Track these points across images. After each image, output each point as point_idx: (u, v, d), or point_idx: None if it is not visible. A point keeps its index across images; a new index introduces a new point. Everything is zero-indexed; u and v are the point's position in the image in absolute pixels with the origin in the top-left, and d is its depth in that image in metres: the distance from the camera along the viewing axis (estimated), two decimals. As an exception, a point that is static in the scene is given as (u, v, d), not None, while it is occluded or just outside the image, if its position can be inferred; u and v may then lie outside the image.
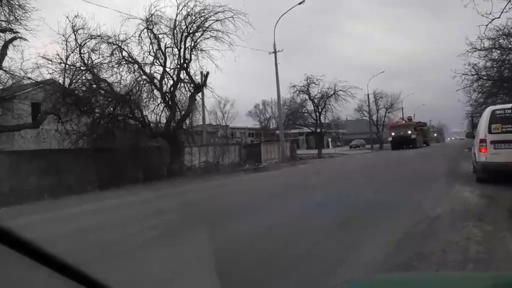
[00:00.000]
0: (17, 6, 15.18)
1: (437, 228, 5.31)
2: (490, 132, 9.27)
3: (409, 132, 43.20)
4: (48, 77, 17.12)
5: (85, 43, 17.13)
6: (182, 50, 18.95)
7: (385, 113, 54.48)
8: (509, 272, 3.43)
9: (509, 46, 22.38)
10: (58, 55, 16.69)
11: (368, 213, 6.68)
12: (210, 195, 11.75)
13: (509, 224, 5.40)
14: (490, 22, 19.51)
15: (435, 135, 74.47)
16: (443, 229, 5.24)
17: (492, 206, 6.80)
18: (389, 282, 1.65)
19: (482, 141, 9.39)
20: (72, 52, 17.04)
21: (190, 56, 19.11)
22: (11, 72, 15.58)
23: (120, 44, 17.72)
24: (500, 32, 20.92)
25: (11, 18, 15.40)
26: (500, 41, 22.01)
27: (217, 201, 10.08)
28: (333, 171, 18.31)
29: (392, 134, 44.74)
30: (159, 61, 18.97)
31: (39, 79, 16.89)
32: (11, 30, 15.61)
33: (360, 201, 8.08)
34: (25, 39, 15.74)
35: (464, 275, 2.75)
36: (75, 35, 16.85)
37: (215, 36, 18.82)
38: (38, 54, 18.82)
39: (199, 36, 19.08)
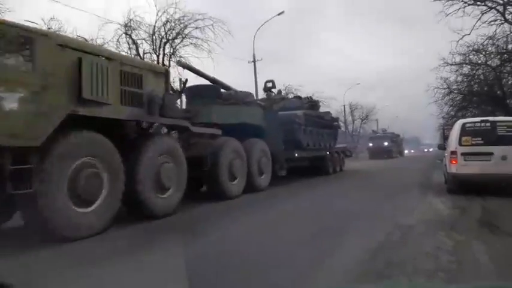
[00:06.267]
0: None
1: (410, 237, 5.42)
2: (460, 144, 9.57)
3: None
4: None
5: (60, 46, 16.78)
6: (161, 56, 18.95)
7: (361, 123, 55.94)
8: (479, 282, 3.52)
9: (479, 62, 23.33)
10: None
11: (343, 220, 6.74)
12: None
13: (478, 233, 5.57)
14: (461, 38, 20.31)
15: (385, 144, 44.36)
16: (415, 238, 5.36)
17: (462, 216, 6.99)
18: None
19: (453, 153, 9.68)
20: (47, 55, 16.67)
21: (169, 63, 19.06)
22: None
23: (96, 49, 17.43)
24: (471, 48, 21.83)
25: (-17, 19, 14.95)
26: (470, 56, 22.95)
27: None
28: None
29: None
30: (136, 67, 18.72)
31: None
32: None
33: (332, 210, 8.15)
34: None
35: (436, 285, 2.80)
36: (50, 38, 16.49)
37: (194, 44, 18.92)
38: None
39: (179, 43, 19.15)
